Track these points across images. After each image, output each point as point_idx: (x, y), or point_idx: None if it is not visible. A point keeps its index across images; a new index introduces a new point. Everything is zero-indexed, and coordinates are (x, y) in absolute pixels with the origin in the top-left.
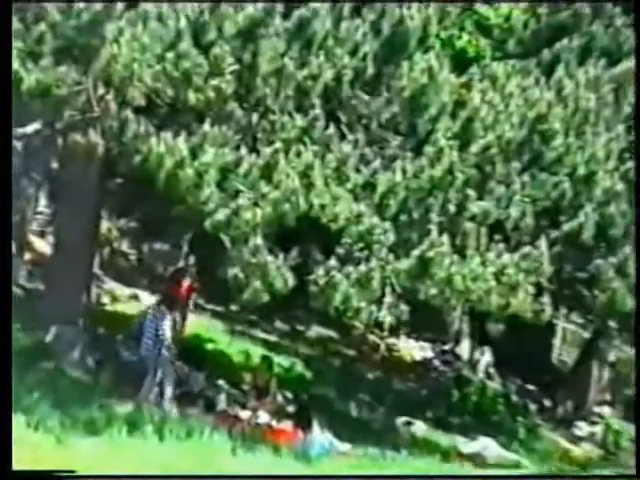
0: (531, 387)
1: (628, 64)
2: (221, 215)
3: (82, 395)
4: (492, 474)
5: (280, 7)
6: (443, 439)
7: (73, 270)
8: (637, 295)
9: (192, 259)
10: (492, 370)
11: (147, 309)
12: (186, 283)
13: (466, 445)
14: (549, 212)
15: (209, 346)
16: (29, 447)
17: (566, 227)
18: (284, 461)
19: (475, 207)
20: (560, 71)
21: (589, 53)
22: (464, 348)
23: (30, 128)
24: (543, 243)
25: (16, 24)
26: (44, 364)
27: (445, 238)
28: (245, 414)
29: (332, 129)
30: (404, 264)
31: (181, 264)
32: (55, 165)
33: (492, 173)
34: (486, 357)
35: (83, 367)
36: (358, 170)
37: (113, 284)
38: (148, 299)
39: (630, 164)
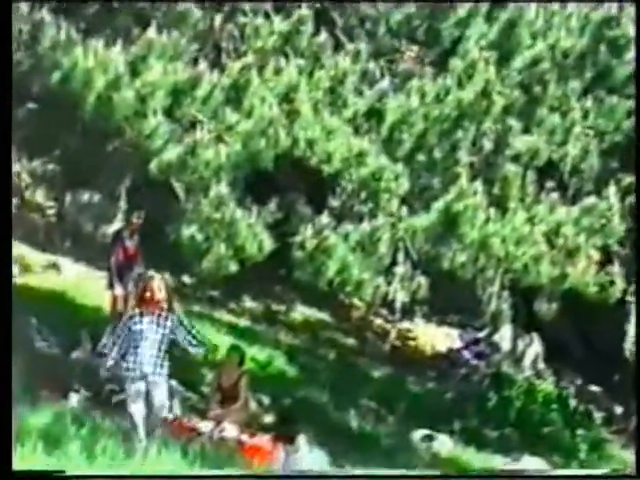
0: (596, 388)
1: None
2: (172, 154)
3: None
4: (492, 474)
5: None
6: (475, 459)
7: None
8: (637, 298)
9: (132, 214)
10: (542, 365)
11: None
12: (130, 247)
13: (507, 467)
14: (621, 149)
15: None
16: None
17: None
18: None
19: (519, 143)
20: None
21: None
22: (504, 336)
23: None
24: (613, 192)
25: None
26: None
27: (478, 185)
28: (206, 426)
29: (324, 36)
30: (422, 221)
31: (118, 222)
32: None
33: (543, 96)
34: (534, 348)
35: None
36: (360, 92)
37: (24, 248)
38: (72, 269)
39: None
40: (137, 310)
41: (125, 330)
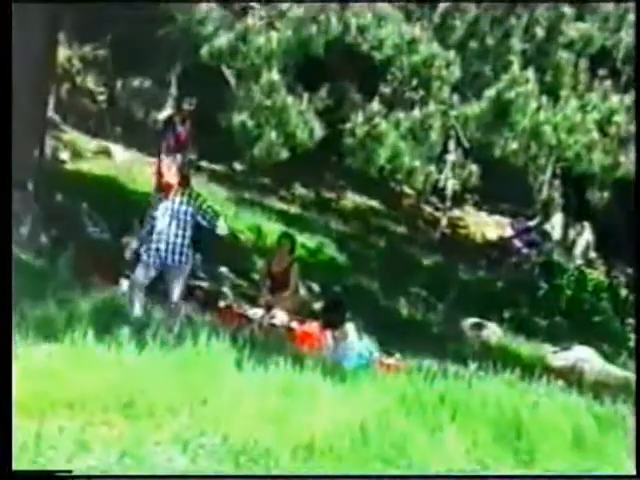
0: None
1: None
2: (223, 40)
3: (34, 285)
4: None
5: None
6: (525, 348)
7: (19, 115)
8: (637, 296)
9: (184, 101)
10: (593, 254)
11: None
12: (181, 133)
13: (557, 356)
14: None
15: None
16: None
17: None
18: (307, 376)
19: (572, 30)
20: None
21: None
22: (555, 224)
23: None
24: None
25: None
26: None
27: (531, 73)
28: (256, 312)
29: None
30: (474, 108)
31: (169, 109)
32: None
33: None
34: (585, 236)
35: (35, 247)
36: None
37: (75, 134)
38: (123, 154)
39: None
40: (157, 196)
41: (147, 218)
